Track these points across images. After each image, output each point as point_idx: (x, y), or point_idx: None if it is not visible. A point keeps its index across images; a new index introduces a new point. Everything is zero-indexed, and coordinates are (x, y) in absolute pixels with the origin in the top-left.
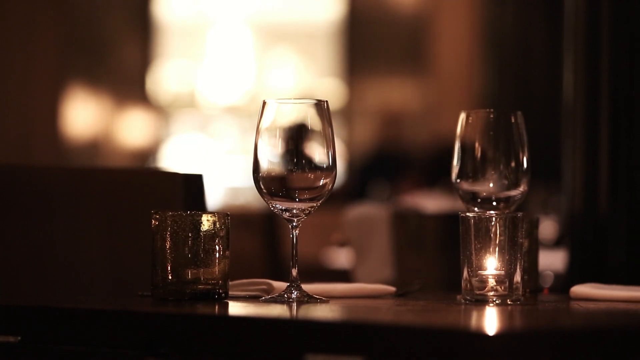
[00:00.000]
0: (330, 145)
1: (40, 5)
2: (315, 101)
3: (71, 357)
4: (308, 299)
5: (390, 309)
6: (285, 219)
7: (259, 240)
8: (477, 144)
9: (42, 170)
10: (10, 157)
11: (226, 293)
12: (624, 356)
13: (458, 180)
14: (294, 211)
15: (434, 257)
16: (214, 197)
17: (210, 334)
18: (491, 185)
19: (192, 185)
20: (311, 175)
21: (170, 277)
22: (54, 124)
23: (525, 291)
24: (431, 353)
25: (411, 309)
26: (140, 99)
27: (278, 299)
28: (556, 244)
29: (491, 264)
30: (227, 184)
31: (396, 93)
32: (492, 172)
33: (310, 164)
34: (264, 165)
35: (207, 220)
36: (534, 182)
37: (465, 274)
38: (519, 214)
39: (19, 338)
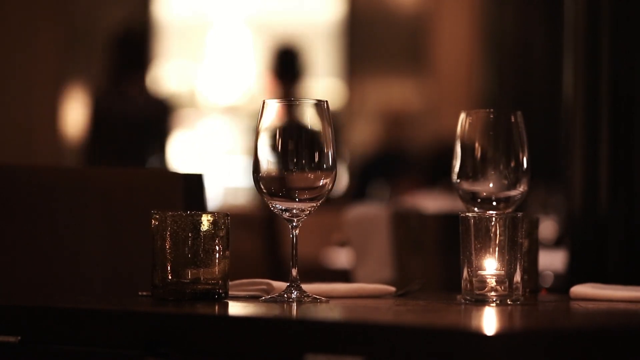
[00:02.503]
0: (330, 145)
1: (40, 5)
2: (315, 101)
3: (71, 357)
4: (308, 299)
5: (390, 309)
6: (285, 219)
7: (259, 240)
8: (477, 144)
9: (42, 170)
10: (10, 157)
11: (226, 293)
12: (624, 356)
13: (458, 180)
14: (294, 211)
15: (434, 257)
16: (214, 197)
17: (210, 334)
18: (491, 185)
19: (192, 185)
20: (311, 175)
21: (170, 277)
22: (54, 124)
23: (525, 291)
24: (431, 353)
25: (411, 309)
26: None
27: (278, 299)
28: (556, 244)
29: (491, 264)
30: (227, 184)
31: (396, 93)
32: (492, 172)
33: (310, 164)
34: (264, 165)
35: (207, 220)
36: (534, 182)
37: (465, 274)
38: (519, 214)
39: (19, 338)
